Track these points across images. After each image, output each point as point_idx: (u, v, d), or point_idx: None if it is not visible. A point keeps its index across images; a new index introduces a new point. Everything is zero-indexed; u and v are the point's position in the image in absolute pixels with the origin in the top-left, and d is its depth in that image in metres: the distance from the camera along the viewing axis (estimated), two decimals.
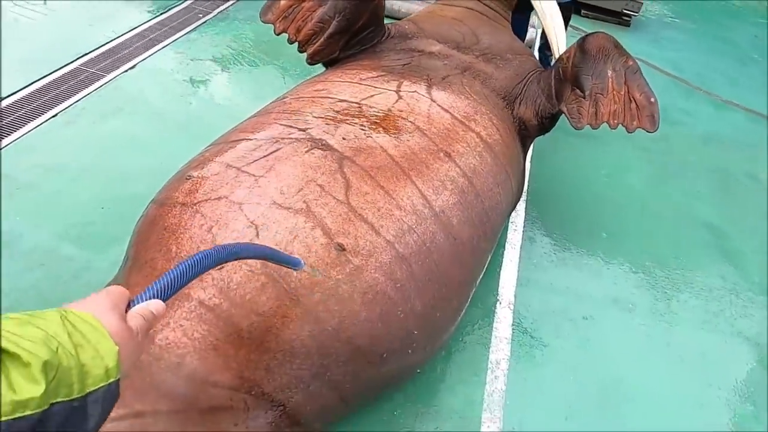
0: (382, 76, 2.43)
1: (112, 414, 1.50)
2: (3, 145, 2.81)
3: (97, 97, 3.32)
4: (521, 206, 3.11)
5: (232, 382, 1.55)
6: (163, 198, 1.90)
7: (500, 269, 2.69)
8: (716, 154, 4.11)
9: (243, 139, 2.04)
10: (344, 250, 1.73)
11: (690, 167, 3.88)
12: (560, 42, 3.11)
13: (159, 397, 1.51)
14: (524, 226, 3.00)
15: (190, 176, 1.91)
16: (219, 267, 1.67)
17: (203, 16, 4.49)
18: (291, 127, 2.05)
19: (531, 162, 3.53)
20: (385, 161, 1.99)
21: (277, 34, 2.68)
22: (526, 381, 2.18)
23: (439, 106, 2.34)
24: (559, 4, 3.20)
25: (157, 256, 1.72)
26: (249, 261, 1.64)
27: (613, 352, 2.42)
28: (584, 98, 2.63)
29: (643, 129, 2.55)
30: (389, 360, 1.78)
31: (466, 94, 2.47)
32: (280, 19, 2.67)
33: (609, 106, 2.61)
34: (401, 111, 2.24)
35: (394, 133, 2.12)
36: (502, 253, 2.78)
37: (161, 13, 4.41)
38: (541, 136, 2.91)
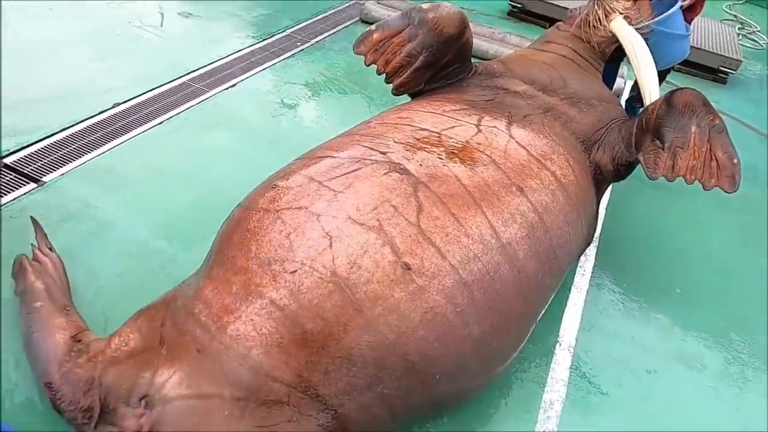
0: (464, 109, 2.52)
1: (180, 392, 1.64)
2: (116, 144, 3.13)
3: (199, 110, 3.63)
4: (591, 251, 3.07)
5: (291, 379, 1.64)
6: (248, 203, 2.05)
7: (564, 312, 2.66)
8: None
9: (327, 156, 2.18)
10: (410, 269, 1.80)
11: None
12: (653, 94, 3.09)
13: (225, 384, 1.63)
14: (593, 272, 2.95)
15: (275, 185, 2.06)
16: (292, 270, 1.80)
17: (301, 45, 4.81)
18: (373, 149, 2.17)
19: (606, 209, 3.48)
20: (458, 190, 2.06)
21: (368, 65, 2.85)
22: (579, 426, 2.13)
23: (517, 142, 2.39)
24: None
25: (238, 255, 1.86)
26: (319, 268, 1.75)
27: (676, 410, 2.31)
28: (663, 150, 2.61)
29: (720, 188, 2.50)
30: (442, 382, 1.81)
31: (545, 134, 2.51)
32: (372, 51, 2.85)
33: (688, 161, 2.59)
34: (479, 144, 2.31)
35: (470, 164, 2.19)
36: (567, 296, 2.74)
37: (263, 40, 4.76)
38: (621, 186, 2.88)
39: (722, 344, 2.72)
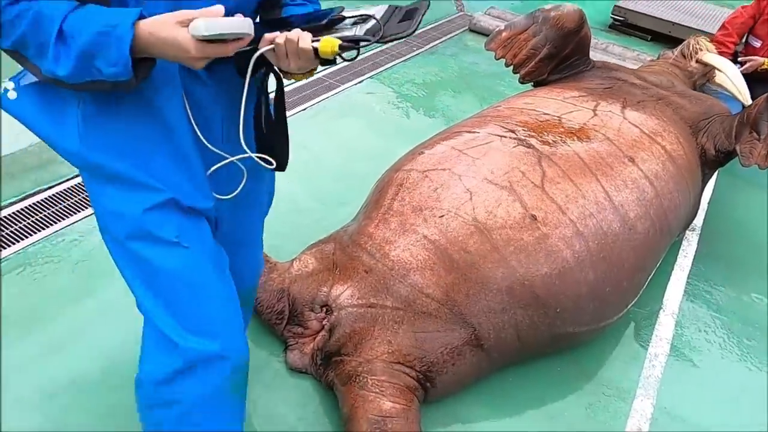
0: (582, 96, 2.87)
1: (353, 302, 2.09)
2: None
3: (333, 100, 4.18)
4: (693, 238, 3.29)
5: (440, 296, 2.06)
6: (399, 165, 2.50)
7: (667, 284, 2.91)
8: None
9: (464, 132, 2.60)
10: (536, 220, 2.18)
11: None
12: (745, 94, 3.38)
13: (388, 296, 2.07)
14: (694, 256, 3.17)
15: (422, 152, 2.51)
16: (441, 215, 2.22)
17: (417, 50, 5.29)
18: (503, 127, 2.57)
19: (708, 204, 3.66)
20: (576, 161, 2.41)
21: (497, 59, 3.25)
22: (683, 374, 2.39)
23: (630, 122, 2.71)
24: None
25: (393, 203, 2.31)
26: (462, 215, 2.16)
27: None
28: (759, 140, 2.84)
29: None
30: (562, 316, 2.16)
31: (656, 116, 2.81)
32: (501, 47, 3.26)
33: None
34: (595, 125, 2.65)
35: (586, 141, 2.54)
36: (671, 272, 2.99)
37: (383, 45, 5.28)
38: (724, 184, 3.09)
39: None
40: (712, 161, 3.01)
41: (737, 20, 4.07)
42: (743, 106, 3.59)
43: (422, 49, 5.31)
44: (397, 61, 4.97)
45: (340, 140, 3.71)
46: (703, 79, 3.65)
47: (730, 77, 3.47)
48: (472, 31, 5.95)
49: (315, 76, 4.47)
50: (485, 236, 2.12)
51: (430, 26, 5.89)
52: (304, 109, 4.00)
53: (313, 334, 2.15)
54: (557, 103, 2.82)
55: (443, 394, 2.13)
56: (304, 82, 4.25)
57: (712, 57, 3.54)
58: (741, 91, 3.43)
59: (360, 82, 4.50)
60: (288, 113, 3.93)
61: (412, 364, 2.00)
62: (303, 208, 3.04)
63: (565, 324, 2.21)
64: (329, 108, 4.08)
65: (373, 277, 2.12)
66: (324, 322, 2.13)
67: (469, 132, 2.58)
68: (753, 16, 4.01)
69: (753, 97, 3.95)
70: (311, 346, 2.13)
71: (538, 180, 2.30)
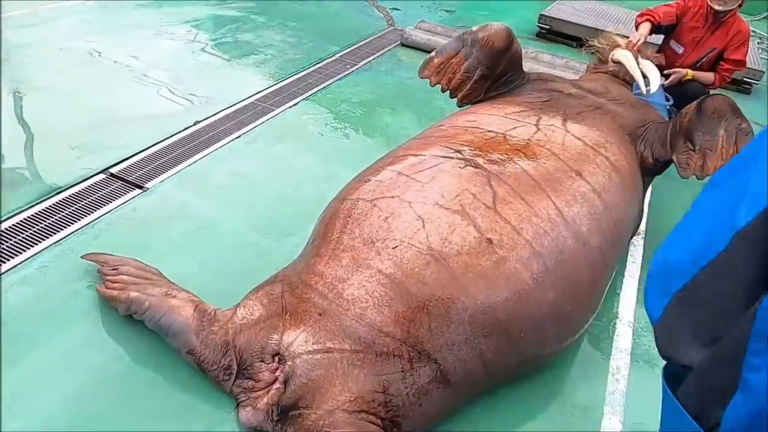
0: (524, 111, 2.85)
1: (308, 348, 1.94)
2: (203, 155, 3.51)
3: (270, 125, 4.01)
4: (639, 243, 3.33)
5: (401, 334, 1.94)
6: (344, 195, 2.38)
7: (621, 293, 2.91)
8: None
9: (410, 155, 2.51)
10: (492, 243, 2.10)
11: None
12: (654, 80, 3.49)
13: (345, 339, 1.94)
14: (642, 262, 3.20)
15: (368, 179, 2.39)
16: (394, 246, 2.11)
17: (351, 67, 5.20)
18: (449, 148, 2.50)
19: (649, 205, 3.74)
20: (525, 179, 2.37)
21: (433, 86, 3.25)
22: (647, 386, 2.37)
23: (573, 135, 2.71)
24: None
25: (343, 236, 2.18)
26: (416, 244, 2.06)
27: None
28: (694, 151, 2.91)
29: None
30: (526, 340, 2.09)
31: (597, 127, 2.83)
32: (435, 74, 3.25)
33: (716, 161, 2.87)
34: (539, 140, 2.62)
35: (533, 158, 2.50)
36: (622, 281, 3.00)
37: (316, 63, 5.16)
38: (660, 184, 3.16)
39: None
40: (651, 169, 3.06)
41: (666, 9, 4.11)
42: (671, 113, 3.71)
43: (356, 67, 5.22)
44: (331, 80, 4.85)
45: (279, 166, 3.55)
46: (629, 74, 3.72)
47: (635, 69, 3.55)
48: (404, 45, 5.92)
49: (247, 100, 4.29)
50: (442, 265, 2.02)
51: (362, 42, 5.83)
52: (239, 136, 3.81)
53: (266, 387, 1.98)
54: (500, 119, 2.78)
55: None
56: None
57: (619, 54, 3.63)
58: (649, 79, 3.49)
59: (295, 105, 4.35)
60: (222, 141, 3.77)
61: (377, 410, 1.87)
62: (245, 242, 2.86)
63: (529, 348, 2.15)
64: (265, 133, 3.90)
65: (328, 320, 1.98)
66: (277, 374, 1.96)
67: (415, 155, 2.49)
68: (677, 15, 4.09)
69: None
70: (265, 401, 1.95)
71: (489, 201, 2.23)
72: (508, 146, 2.57)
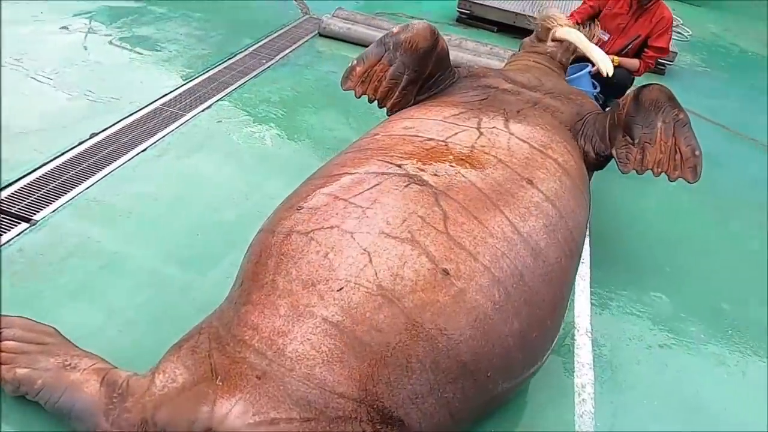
0: (463, 113, 2.63)
1: (247, 421, 1.64)
2: (103, 175, 3.05)
3: (180, 134, 3.57)
4: (585, 243, 3.24)
5: (357, 393, 1.68)
6: (274, 227, 2.07)
7: (575, 300, 2.82)
8: (762, 195, 4.22)
9: (344, 174, 2.22)
10: (448, 274, 1.88)
11: (742, 207, 4.00)
12: (606, 64, 3.38)
13: (292, 405, 1.65)
14: (591, 263, 3.13)
15: (300, 207, 2.09)
16: (339, 288, 1.84)
17: (267, 62, 4.80)
18: (388, 163, 2.24)
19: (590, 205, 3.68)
20: (475, 194, 2.16)
21: (358, 97, 2.99)
22: (614, 404, 2.29)
23: (518, 138, 2.53)
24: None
25: (277, 278, 1.88)
26: (364, 283, 1.80)
27: (690, 379, 2.52)
28: (633, 145, 2.83)
29: (684, 179, 2.73)
30: (494, 379, 1.90)
31: (540, 125, 2.67)
32: (358, 84, 2.98)
33: (655, 154, 2.81)
34: (483, 146, 2.42)
35: (480, 168, 2.30)
36: (574, 285, 2.90)
37: (227, 59, 4.72)
38: (597, 176, 3.09)
39: (717, 314, 2.97)
40: (593, 165, 2.96)
41: (583, 6, 4.13)
42: (598, 100, 3.64)
43: (272, 61, 4.83)
44: (246, 78, 4.44)
45: (195, 183, 3.16)
46: (567, 54, 3.62)
47: (585, 46, 3.42)
48: (322, 35, 5.57)
49: (152, 105, 3.82)
50: (396, 306, 1.77)
51: (277, 33, 5.42)
52: (146, 149, 3.35)
53: None
54: (438, 124, 2.55)
55: None
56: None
57: (563, 31, 3.49)
58: (599, 58, 3.39)
59: (208, 108, 3.92)
60: (125, 156, 3.29)
61: None
62: (161, 279, 2.47)
63: (497, 385, 1.96)
64: (176, 144, 3.47)
65: (269, 384, 1.68)
66: None
67: (350, 173, 2.21)
68: (596, 7, 4.08)
69: (606, 103, 4.10)
70: None
71: (440, 224, 2.00)
72: (452, 156, 2.34)
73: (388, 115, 2.99)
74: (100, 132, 3.42)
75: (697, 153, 2.79)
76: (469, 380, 1.83)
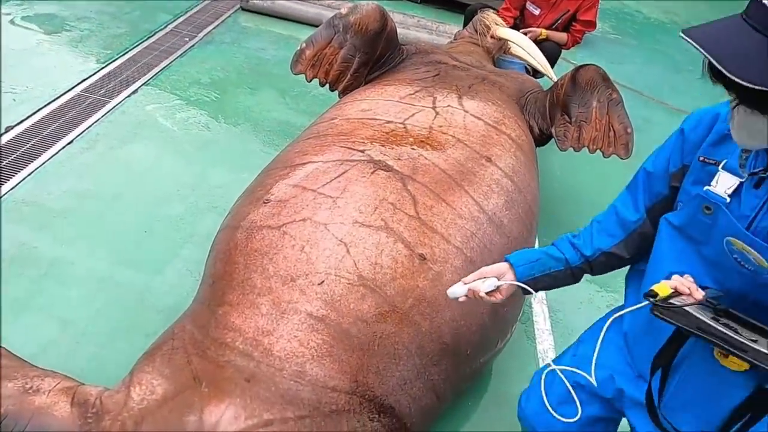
0: (418, 91, 2.65)
1: (240, 426, 1.61)
2: (28, 173, 2.79)
3: (109, 122, 3.33)
4: None
5: (349, 386, 1.69)
6: (240, 222, 2.00)
7: None
8: None
9: (308, 162, 2.18)
10: (425, 259, 1.90)
11: None
12: (543, 62, 3.54)
13: (285, 405, 1.63)
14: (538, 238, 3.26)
15: (267, 200, 2.03)
16: (319, 282, 1.81)
17: (190, 40, 4.53)
18: (351, 149, 2.21)
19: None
20: (440, 175, 2.18)
21: (309, 81, 2.94)
22: None
23: (472, 115, 2.58)
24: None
25: (253, 276, 1.83)
26: (345, 274, 1.79)
27: None
28: (570, 124, 2.98)
29: (617, 155, 2.92)
30: (473, 356, 1.97)
31: (491, 101, 2.74)
32: (309, 67, 2.92)
33: (590, 132, 2.99)
34: (441, 126, 2.44)
35: (440, 149, 2.32)
36: None
37: (147, 38, 4.41)
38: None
39: None
40: (537, 140, 3.06)
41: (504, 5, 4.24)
42: (525, 71, 3.78)
43: (196, 39, 4.57)
44: (170, 58, 4.18)
45: (134, 175, 2.96)
46: (500, 52, 3.75)
47: (526, 49, 3.58)
48: (245, 10, 5.32)
49: (72, 92, 3.51)
50: (379, 295, 1.78)
51: (196, 9, 5.11)
52: (71, 142, 3.10)
53: None
54: (395, 105, 2.55)
55: None
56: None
57: (505, 32, 3.63)
58: (540, 62, 3.57)
59: (134, 93, 3.67)
60: (50, 150, 3.01)
61: None
62: (112, 284, 2.32)
63: (475, 360, 2.03)
64: (106, 133, 3.23)
65: (259, 385, 1.65)
66: None
67: (313, 162, 2.16)
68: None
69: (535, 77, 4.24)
70: None
71: (410, 209, 2.02)
72: (411, 138, 2.35)
73: (340, 98, 2.95)
74: (16, 125, 3.11)
75: (629, 131, 2.98)
76: (451, 360, 1.89)
